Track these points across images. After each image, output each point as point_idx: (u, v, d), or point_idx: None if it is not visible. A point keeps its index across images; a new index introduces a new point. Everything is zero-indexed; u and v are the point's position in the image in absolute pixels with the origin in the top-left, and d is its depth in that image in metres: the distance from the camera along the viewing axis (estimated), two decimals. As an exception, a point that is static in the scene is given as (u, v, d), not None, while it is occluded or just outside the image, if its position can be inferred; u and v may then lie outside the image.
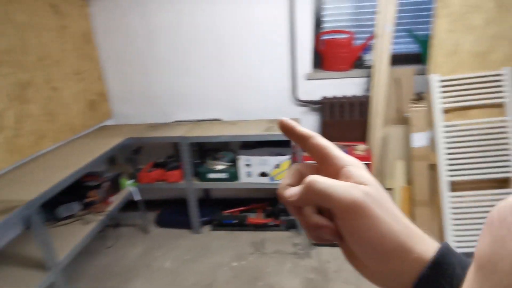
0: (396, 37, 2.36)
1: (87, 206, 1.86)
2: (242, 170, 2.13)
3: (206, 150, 2.42)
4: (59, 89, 2.04)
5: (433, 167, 1.97)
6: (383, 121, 2.15)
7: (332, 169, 0.27)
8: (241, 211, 2.55)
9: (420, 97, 2.01)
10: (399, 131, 2.12)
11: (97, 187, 1.86)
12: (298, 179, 0.28)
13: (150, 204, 2.52)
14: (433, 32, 1.90)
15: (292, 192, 0.27)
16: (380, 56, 2.06)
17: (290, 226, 2.30)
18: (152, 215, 2.55)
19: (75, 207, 1.83)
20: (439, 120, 1.89)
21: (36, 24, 1.86)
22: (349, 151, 2.12)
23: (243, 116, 2.53)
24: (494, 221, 0.15)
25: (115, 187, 2.08)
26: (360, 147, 2.13)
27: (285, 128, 0.30)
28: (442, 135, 1.89)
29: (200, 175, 2.21)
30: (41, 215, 1.38)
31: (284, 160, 2.06)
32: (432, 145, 1.95)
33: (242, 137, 2.08)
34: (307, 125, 2.46)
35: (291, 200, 0.27)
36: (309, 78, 2.38)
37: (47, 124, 1.92)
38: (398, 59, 2.29)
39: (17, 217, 1.24)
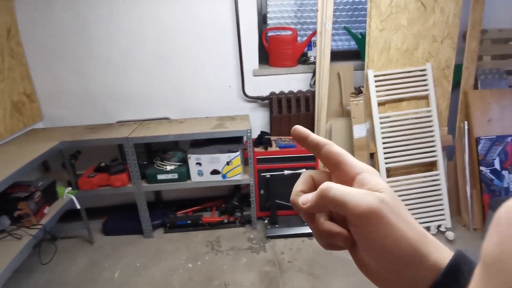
0: (336, 34, 2.51)
1: (18, 220, 1.66)
2: (193, 169, 2.08)
3: (154, 151, 2.32)
4: (-27, 89, 1.77)
5: (373, 156, 2.14)
6: (328, 114, 2.26)
7: (346, 176, 0.27)
8: (195, 211, 2.50)
9: (359, 91, 2.16)
10: (342, 123, 2.25)
11: (27, 198, 1.66)
12: (311, 186, 0.28)
13: (94, 212, 2.34)
14: (367, 31, 2.05)
15: (306, 198, 0.26)
16: (321, 52, 2.16)
17: (245, 222, 2.32)
18: (97, 224, 2.36)
19: (4, 221, 1.62)
20: (376, 112, 2.05)
21: None
22: (297, 144, 2.19)
23: (191, 114, 2.46)
24: (501, 221, 0.15)
25: (51, 196, 1.88)
26: (308, 140, 2.21)
27: (298, 136, 0.30)
28: (379, 126, 2.05)
29: (149, 177, 2.11)
30: None
31: (235, 156, 2.06)
32: (371, 135, 2.11)
33: (191, 136, 2.03)
34: (257, 120, 2.49)
35: (305, 207, 0.26)
36: (256, 74, 2.41)
37: (-41, 131, 1.66)
38: (338, 55, 2.43)
39: None
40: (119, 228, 2.32)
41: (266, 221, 2.30)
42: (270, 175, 2.17)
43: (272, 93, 2.39)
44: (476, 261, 0.23)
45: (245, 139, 2.12)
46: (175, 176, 2.10)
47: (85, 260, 2.09)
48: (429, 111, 2.09)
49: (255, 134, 2.36)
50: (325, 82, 2.20)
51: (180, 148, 2.34)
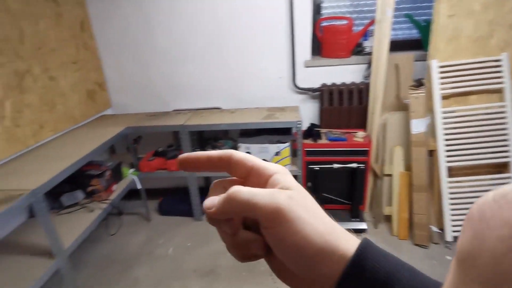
0: (396, 22, 2.35)
1: (90, 195, 1.88)
2: (242, 158, 2.14)
3: (206, 139, 2.43)
4: (57, 78, 2.02)
5: (432, 153, 1.99)
6: (382, 107, 2.15)
7: (261, 180, 0.26)
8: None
9: (420, 83, 2.01)
10: (398, 118, 2.12)
11: (100, 175, 1.87)
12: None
13: (152, 193, 2.55)
14: (433, 17, 1.89)
15: (211, 203, 0.24)
16: (379, 42, 2.05)
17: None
18: (154, 204, 2.57)
19: (79, 195, 1.85)
20: (438, 106, 1.89)
21: (32, 12, 1.83)
22: (348, 138, 2.13)
23: (243, 104, 2.52)
24: (474, 216, 0.15)
25: (117, 176, 2.09)
26: (359, 134, 2.14)
27: (188, 163, 0.27)
28: (441, 121, 1.90)
29: (201, 164, 2.22)
30: (46, 204, 1.41)
31: (284, 147, 2.08)
32: (431, 131, 1.96)
33: (241, 125, 2.09)
34: (307, 112, 2.47)
35: (210, 212, 0.24)
36: (308, 65, 2.37)
37: (46, 114, 1.91)
38: (397, 45, 2.28)
39: (22, 205, 1.25)
40: (173, 210, 2.50)
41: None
42: (319, 167, 2.14)
43: (324, 85, 2.33)
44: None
45: (294, 130, 2.11)
46: (225, 163, 2.18)
47: (143, 235, 2.29)
48: (503, 106, 1.87)
49: (305, 126, 2.34)
50: (381, 73, 2.09)
51: (231, 137, 2.42)
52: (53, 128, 1.97)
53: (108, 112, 2.65)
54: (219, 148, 2.23)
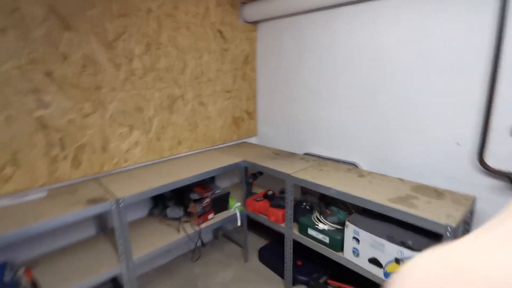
0: None
1: (189, 215, 1.96)
2: (348, 242, 1.53)
3: (323, 198, 1.96)
4: (206, 104, 2.27)
5: None
6: None
7: None
8: (351, 292, 1.88)
9: None
10: None
11: (197, 201, 1.91)
12: None
13: (262, 229, 2.38)
14: None
15: None
16: None
17: None
18: (260, 242, 2.39)
19: (180, 212, 1.97)
20: None
21: (199, 48, 2.14)
22: None
23: (385, 168, 1.84)
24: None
25: (221, 205, 2.08)
26: None
27: None
28: None
29: (300, 226, 1.80)
30: (158, 209, 1.62)
31: (410, 257, 1.28)
32: None
33: (355, 199, 1.47)
34: (492, 212, 1.43)
35: None
36: (518, 134, 1.36)
37: (186, 133, 2.19)
38: None
39: (105, 210, 1.44)
40: (270, 262, 2.21)
41: None
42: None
43: (543, 175, 1.25)
44: None
45: (447, 238, 1.25)
46: (326, 239, 1.64)
47: (231, 274, 2.16)
48: None
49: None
50: None
51: (349, 207, 1.81)
52: (189, 146, 2.23)
53: (253, 140, 2.73)
54: (326, 216, 1.71)
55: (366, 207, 1.43)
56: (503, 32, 1.31)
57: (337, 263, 1.60)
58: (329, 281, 1.97)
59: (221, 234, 2.66)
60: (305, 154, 2.27)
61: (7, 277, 1.42)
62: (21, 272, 1.50)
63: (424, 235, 1.33)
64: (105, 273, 1.52)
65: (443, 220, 1.19)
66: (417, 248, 1.27)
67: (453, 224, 1.16)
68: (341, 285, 1.92)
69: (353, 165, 1.99)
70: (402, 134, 1.77)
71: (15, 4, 1.41)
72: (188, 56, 2.09)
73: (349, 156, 2.04)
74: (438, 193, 1.46)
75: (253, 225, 2.77)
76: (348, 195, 1.50)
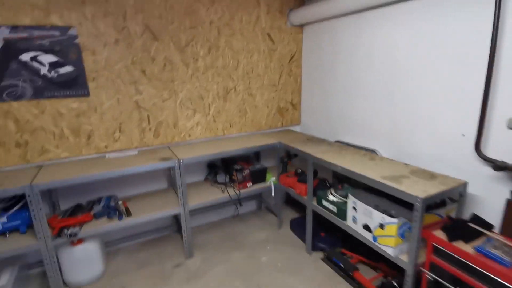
0: None
1: (232, 181, 2.50)
2: (349, 211, 1.83)
3: (341, 178, 2.25)
4: (255, 95, 2.77)
5: None
6: None
7: None
8: (360, 261, 2.16)
9: None
10: None
11: (238, 171, 2.43)
12: None
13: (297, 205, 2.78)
14: None
15: None
16: None
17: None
18: (293, 215, 2.80)
19: (225, 178, 2.53)
20: None
21: (250, 49, 2.64)
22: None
23: (402, 155, 2.04)
24: None
25: (259, 177, 2.55)
26: (550, 274, 1.10)
27: None
28: None
29: (318, 198, 2.15)
30: (210, 176, 2.26)
31: (389, 223, 1.53)
32: None
33: (354, 175, 1.76)
34: (488, 200, 1.56)
35: None
36: (515, 127, 1.47)
37: (237, 118, 2.73)
38: None
39: (169, 166, 2.08)
40: (298, 231, 2.60)
41: None
42: (433, 278, 1.37)
43: (528, 164, 1.36)
44: None
45: (418, 209, 1.47)
46: (335, 209, 1.97)
47: (265, 235, 2.63)
48: None
49: (467, 216, 1.53)
50: None
51: (356, 183, 2.07)
52: (239, 129, 2.77)
53: (296, 128, 3.13)
54: (337, 190, 2.03)
55: (362, 181, 1.72)
56: (497, 36, 1.43)
57: (352, 238, 1.90)
58: (343, 251, 2.27)
59: (264, 206, 3.15)
60: (336, 141, 2.57)
61: (112, 203, 2.19)
62: (120, 202, 2.28)
63: (405, 207, 1.56)
64: (170, 211, 2.18)
65: (415, 193, 1.43)
66: (397, 215, 1.52)
67: (422, 196, 1.39)
68: (352, 254, 2.20)
69: (373, 151, 2.22)
70: (414, 126, 1.94)
71: (124, 24, 2.13)
72: (240, 56, 2.61)
73: (371, 144, 2.28)
74: (431, 176, 1.65)
75: (290, 201, 3.19)
76: (349, 171, 1.80)
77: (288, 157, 2.63)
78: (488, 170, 1.56)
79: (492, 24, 1.44)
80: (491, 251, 1.26)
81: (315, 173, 2.39)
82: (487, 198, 1.58)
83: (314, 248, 2.37)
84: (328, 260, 2.23)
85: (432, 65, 1.79)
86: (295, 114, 3.07)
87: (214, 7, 2.41)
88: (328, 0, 2.30)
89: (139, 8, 2.14)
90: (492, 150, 1.55)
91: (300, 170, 2.49)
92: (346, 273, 2.05)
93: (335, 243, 2.36)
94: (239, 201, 2.51)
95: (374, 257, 2.11)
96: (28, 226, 1.91)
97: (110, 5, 2.05)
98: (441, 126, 1.79)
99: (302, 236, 2.52)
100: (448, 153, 1.77)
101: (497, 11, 1.41)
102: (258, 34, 2.65)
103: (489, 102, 1.52)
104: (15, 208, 1.86)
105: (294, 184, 2.41)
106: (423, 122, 1.90)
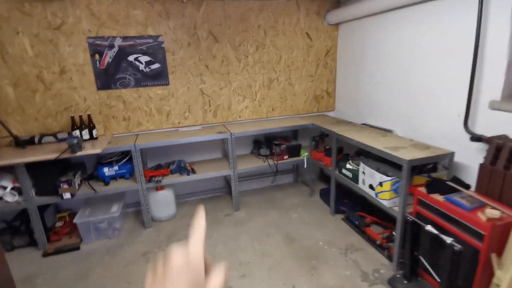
0: None
1: (272, 154, 3.12)
2: (361, 175, 2.31)
3: (358, 153, 2.70)
4: (294, 84, 3.32)
5: None
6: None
7: None
8: (374, 221, 2.61)
9: None
10: None
11: (277, 145, 3.03)
12: None
13: (327, 180, 3.29)
14: None
15: None
16: None
17: (390, 257, 2.14)
18: (323, 187, 3.32)
19: (266, 151, 3.15)
20: None
21: (290, 46, 3.19)
22: (477, 210, 1.57)
23: (416, 134, 2.42)
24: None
25: (294, 151, 3.12)
26: (492, 213, 1.49)
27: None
28: None
29: (338, 167, 2.65)
30: (255, 149, 2.92)
31: (386, 180, 1.99)
32: None
33: (364, 146, 2.22)
34: (471, 167, 1.92)
35: None
36: (495, 107, 1.80)
37: (278, 103, 3.32)
38: None
39: (222, 138, 2.77)
40: (325, 198, 3.12)
41: (398, 275, 1.97)
42: (413, 220, 1.81)
43: (499, 137, 1.71)
44: None
45: (405, 169, 1.89)
46: (350, 174, 2.45)
47: (297, 200, 3.21)
48: None
49: (452, 175, 1.92)
50: None
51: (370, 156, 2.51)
52: (280, 112, 3.36)
53: (331, 113, 3.60)
54: (354, 161, 2.50)
55: (369, 151, 2.19)
56: (480, 35, 1.76)
57: (368, 203, 2.38)
58: (360, 213, 2.73)
59: (300, 180, 3.70)
60: (362, 124, 3.00)
61: (182, 164, 2.98)
62: (187, 164, 3.06)
63: (400, 170, 2.00)
64: (223, 172, 2.89)
65: (403, 157, 1.87)
66: (392, 175, 1.97)
67: (408, 159, 1.83)
68: (368, 216, 2.66)
69: (390, 131, 2.62)
70: (422, 109, 2.30)
71: (194, 31, 2.86)
72: (282, 52, 3.18)
73: (390, 125, 2.67)
74: (426, 147, 2.05)
75: (322, 177, 3.69)
76: (361, 143, 2.28)
77: (320, 136, 3.15)
78: (475, 143, 1.91)
79: (476, 24, 1.79)
80: (456, 199, 1.66)
81: (341, 149, 2.88)
82: (471, 165, 1.93)
83: (337, 211, 2.87)
84: (346, 219, 2.73)
85: (437, 59, 2.14)
86: (330, 101, 3.54)
87: (262, 13, 3.01)
88: (359, 2, 2.73)
89: (205, 19, 2.85)
90: (478, 126, 1.89)
91: (328, 147, 2.99)
92: (360, 228, 2.53)
93: (354, 208, 2.82)
94: (277, 170, 3.12)
95: (386, 219, 2.54)
96: (130, 175, 2.79)
97: (185, 18, 2.80)
98: (443, 108, 2.15)
99: (328, 203, 3.03)
100: (446, 130, 2.12)
101: (479, 14, 1.76)
102: (297, 34, 3.19)
103: (475, 88, 1.87)
104: (123, 161, 2.74)
105: (322, 157, 2.93)
106: (429, 105, 2.26)
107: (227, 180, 3.42)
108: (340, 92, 3.44)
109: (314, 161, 3.07)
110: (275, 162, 3.03)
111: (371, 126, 2.84)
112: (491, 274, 1.51)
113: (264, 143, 3.27)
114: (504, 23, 1.69)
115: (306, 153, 3.14)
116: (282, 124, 3.06)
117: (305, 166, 3.13)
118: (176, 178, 2.79)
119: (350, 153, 2.82)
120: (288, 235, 2.60)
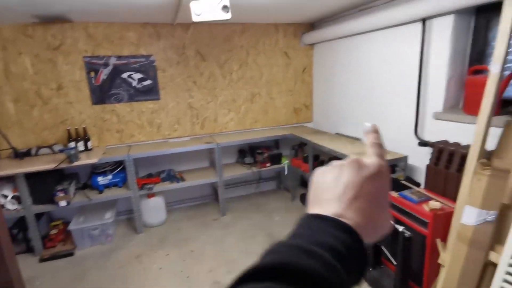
0: None
1: (255, 162, 3.39)
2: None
3: (332, 158, 3.02)
4: (275, 98, 3.65)
5: (486, 267, 1.37)
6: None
7: None
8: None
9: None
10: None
11: (259, 154, 3.31)
12: None
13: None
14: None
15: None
16: None
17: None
18: (303, 192, 3.61)
19: (250, 160, 3.43)
20: None
21: (271, 63, 3.53)
22: (421, 203, 1.89)
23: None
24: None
25: (276, 159, 3.41)
26: (434, 204, 1.81)
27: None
28: None
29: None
30: (240, 158, 3.19)
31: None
32: (496, 233, 1.35)
33: (335, 153, 2.54)
34: (422, 168, 2.26)
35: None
36: (439, 118, 2.16)
37: (261, 116, 3.62)
38: None
39: (210, 148, 3.03)
40: (305, 202, 3.40)
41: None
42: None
43: (441, 142, 2.06)
44: None
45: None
46: (324, 179, 2.75)
47: (280, 204, 3.47)
48: None
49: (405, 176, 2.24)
50: None
51: (334, 158, 2.83)
52: (262, 124, 3.66)
53: (309, 124, 3.93)
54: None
55: (339, 156, 2.50)
56: (423, 56, 2.14)
57: None
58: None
59: (282, 186, 3.98)
60: (336, 133, 3.34)
61: (172, 173, 3.21)
62: (177, 173, 3.29)
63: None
64: (210, 179, 3.13)
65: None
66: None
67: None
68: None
69: (358, 139, 2.96)
70: (384, 118, 2.66)
71: (183, 51, 3.15)
72: (263, 69, 3.51)
73: (358, 134, 3.02)
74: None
75: (303, 184, 3.99)
76: (333, 150, 2.59)
77: (299, 145, 3.46)
78: (423, 148, 2.26)
79: (420, 48, 2.17)
80: (406, 194, 1.98)
81: (317, 157, 3.20)
82: (421, 167, 2.27)
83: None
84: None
85: (388, 75, 2.52)
86: (308, 113, 3.88)
87: (244, 35, 3.35)
88: (329, 26, 3.11)
89: (193, 40, 3.16)
90: (426, 133, 2.24)
91: (306, 155, 3.30)
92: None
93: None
94: (260, 177, 3.39)
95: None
96: (123, 183, 2.99)
97: (175, 39, 3.09)
98: (397, 118, 2.50)
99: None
100: (401, 137, 2.47)
101: (422, 39, 2.14)
102: (277, 53, 3.53)
103: (422, 101, 2.23)
104: (116, 170, 2.95)
105: (301, 164, 3.23)
106: (387, 116, 2.61)
107: (214, 187, 3.65)
108: (317, 104, 3.79)
109: (294, 168, 3.37)
110: (259, 169, 3.30)
111: (343, 135, 3.18)
112: (437, 256, 1.81)
113: (248, 152, 3.55)
114: (443, 47, 2.07)
115: (287, 161, 3.44)
116: (265, 134, 3.35)
117: (286, 173, 3.42)
118: (166, 186, 3.01)
119: (325, 160, 3.13)
120: (271, 235, 2.86)
